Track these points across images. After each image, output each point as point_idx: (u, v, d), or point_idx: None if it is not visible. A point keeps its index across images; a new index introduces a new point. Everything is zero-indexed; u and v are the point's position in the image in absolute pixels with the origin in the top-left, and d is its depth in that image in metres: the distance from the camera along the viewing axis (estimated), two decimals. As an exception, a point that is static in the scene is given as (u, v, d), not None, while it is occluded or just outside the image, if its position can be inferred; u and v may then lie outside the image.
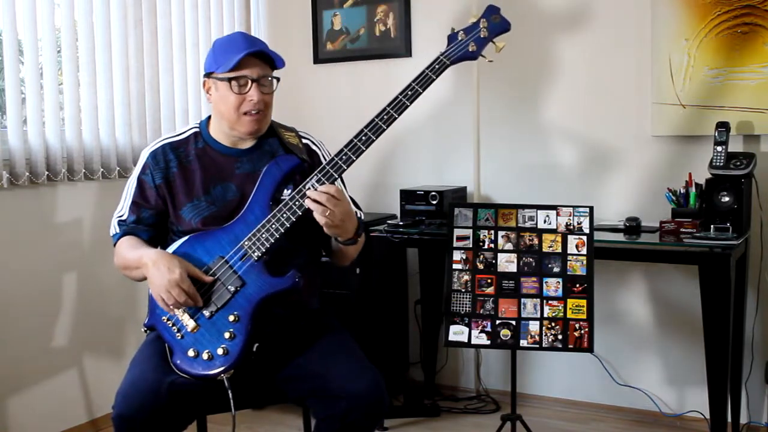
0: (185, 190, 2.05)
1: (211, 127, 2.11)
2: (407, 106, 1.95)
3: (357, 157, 1.94)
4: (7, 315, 2.87)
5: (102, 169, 3.13)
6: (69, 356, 3.10)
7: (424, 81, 1.96)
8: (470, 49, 1.99)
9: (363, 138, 1.93)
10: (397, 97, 1.95)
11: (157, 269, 1.90)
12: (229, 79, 1.99)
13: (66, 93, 3.04)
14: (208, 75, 2.06)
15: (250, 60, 1.99)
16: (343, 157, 1.93)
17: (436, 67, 1.97)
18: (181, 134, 2.12)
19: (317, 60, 3.81)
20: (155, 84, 3.33)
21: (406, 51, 3.57)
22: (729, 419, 2.85)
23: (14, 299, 2.90)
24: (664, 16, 3.05)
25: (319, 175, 1.92)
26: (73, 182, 3.06)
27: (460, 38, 1.99)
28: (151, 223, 2.07)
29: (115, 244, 2.09)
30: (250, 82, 2.00)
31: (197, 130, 2.12)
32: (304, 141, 2.14)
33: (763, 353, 3.05)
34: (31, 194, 2.95)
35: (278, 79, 2.07)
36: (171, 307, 1.92)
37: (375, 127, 1.94)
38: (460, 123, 3.50)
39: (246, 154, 2.08)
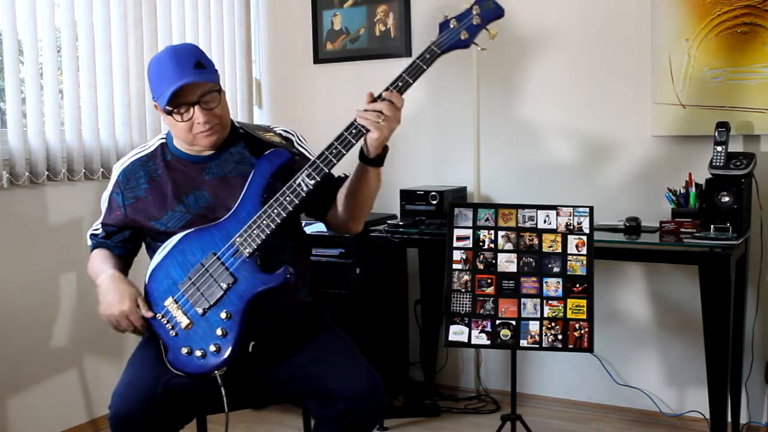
0: (158, 204, 2.04)
1: (174, 138, 2.10)
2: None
3: (347, 151, 1.89)
4: (7, 315, 2.87)
5: (102, 169, 3.13)
6: (69, 356, 3.11)
7: (415, 71, 1.89)
8: (462, 38, 1.90)
9: (353, 131, 1.89)
10: (387, 89, 1.88)
11: (107, 295, 1.97)
12: (170, 112, 1.96)
13: (66, 93, 3.04)
14: (154, 99, 2.02)
15: (184, 86, 1.93)
16: (333, 150, 1.89)
17: (427, 56, 1.89)
18: (149, 147, 2.12)
19: (317, 60, 3.81)
20: (155, 84, 3.32)
21: (406, 51, 3.57)
22: (729, 419, 2.85)
23: (14, 299, 2.90)
24: (664, 16, 3.05)
25: (309, 170, 1.89)
26: (73, 182, 3.06)
27: (452, 26, 1.91)
28: (119, 240, 2.12)
29: (90, 254, 2.16)
30: (191, 108, 1.96)
31: (164, 140, 2.12)
32: (282, 135, 2.13)
33: (763, 353, 3.05)
34: (31, 194, 2.95)
35: (220, 90, 2.01)
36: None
37: None
38: (460, 123, 3.50)
39: (213, 158, 2.06)
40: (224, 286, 1.91)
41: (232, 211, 1.96)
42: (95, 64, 3.12)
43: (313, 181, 1.89)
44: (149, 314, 1.95)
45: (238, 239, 1.92)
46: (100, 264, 2.07)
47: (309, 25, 3.82)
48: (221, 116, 2.02)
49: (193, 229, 1.98)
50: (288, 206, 1.89)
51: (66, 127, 3.04)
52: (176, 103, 1.94)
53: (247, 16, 3.81)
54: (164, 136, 2.13)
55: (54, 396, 3.04)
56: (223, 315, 1.90)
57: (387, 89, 1.88)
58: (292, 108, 3.87)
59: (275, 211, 1.90)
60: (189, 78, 1.92)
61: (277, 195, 1.91)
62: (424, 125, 3.60)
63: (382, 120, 1.85)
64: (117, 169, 2.12)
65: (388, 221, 3.25)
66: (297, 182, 1.90)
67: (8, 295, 2.88)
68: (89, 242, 2.17)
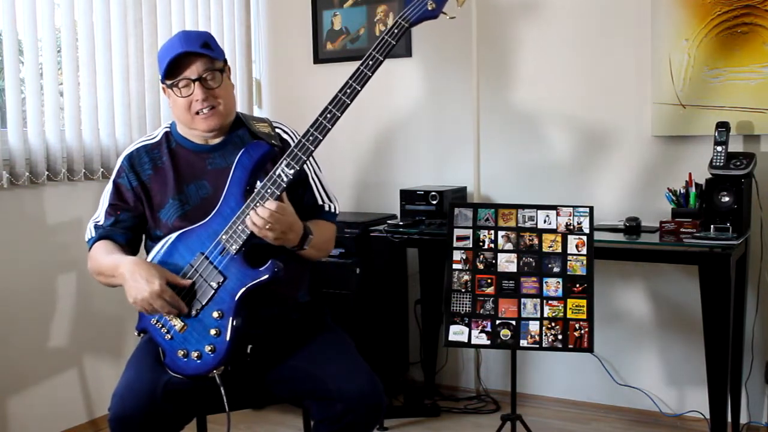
0: (160, 191, 2.04)
1: (179, 126, 2.10)
2: (369, 77, 1.90)
3: (323, 137, 1.89)
4: (7, 315, 2.87)
5: (102, 169, 3.13)
6: (69, 356, 3.11)
7: (384, 47, 1.90)
8: (429, 8, 1.90)
9: (328, 116, 1.90)
10: (359, 69, 1.90)
11: (135, 281, 1.87)
12: (171, 85, 1.98)
13: (66, 93, 3.04)
14: (162, 81, 2.04)
15: (187, 60, 1.96)
16: (310, 137, 1.89)
17: (395, 31, 1.90)
18: (154, 136, 2.12)
19: (317, 60, 3.81)
20: (155, 84, 3.32)
21: (406, 51, 3.57)
22: (729, 419, 2.85)
23: (14, 299, 2.90)
24: (664, 16, 3.05)
25: (288, 159, 1.88)
26: (73, 182, 3.06)
27: None
28: (128, 226, 2.05)
29: (90, 249, 2.06)
30: (191, 83, 1.97)
31: (168, 129, 2.12)
32: (276, 130, 2.13)
33: (763, 353, 3.05)
34: (31, 194, 2.95)
35: (222, 71, 2.02)
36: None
37: (339, 103, 1.91)
38: (460, 123, 3.50)
39: (217, 149, 2.06)
40: (214, 285, 1.90)
41: (216, 208, 1.95)
42: (95, 64, 3.12)
43: (292, 171, 1.87)
44: (186, 282, 1.90)
45: (223, 237, 1.90)
46: (109, 255, 1.99)
47: (309, 25, 3.82)
48: (222, 98, 2.02)
49: (181, 231, 1.97)
50: (269, 198, 1.87)
51: (66, 127, 3.04)
52: (177, 75, 1.96)
53: (247, 16, 3.81)
54: (168, 125, 2.13)
55: (54, 396, 3.04)
56: (215, 314, 1.89)
57: (359, 70, 1.91)
58: (292, 108, 3.87)
59: (257, 205, 1.88)
60: (188, 48, 1.94)
61: (258, 188, 1.89)
62: (424, 125, 3.60)
63: (268, 227, 1.85)
64: (121, 157, 2.11)
65: (388, 221, 3.25)
66: (277, 173, 1.88)
67: (8, 295, 2.88)
68: (91, 234, 2.07)
